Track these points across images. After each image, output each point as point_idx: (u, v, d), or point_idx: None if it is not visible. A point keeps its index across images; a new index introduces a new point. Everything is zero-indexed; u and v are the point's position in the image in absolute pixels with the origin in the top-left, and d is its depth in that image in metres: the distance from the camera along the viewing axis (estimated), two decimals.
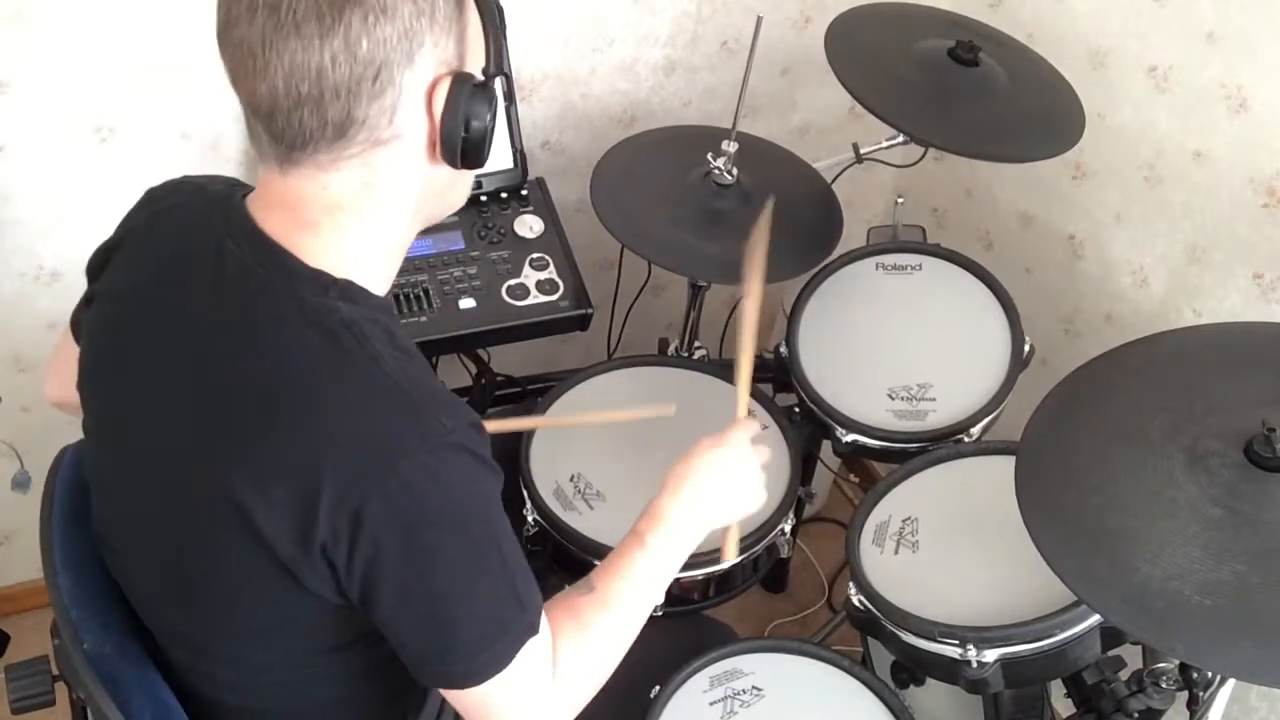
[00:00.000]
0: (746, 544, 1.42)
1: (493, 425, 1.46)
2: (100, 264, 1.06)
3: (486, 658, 0.94)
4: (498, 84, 0.94)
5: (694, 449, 1.18)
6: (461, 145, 0.90)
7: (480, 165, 0.94)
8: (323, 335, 0.90)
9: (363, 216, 0.92)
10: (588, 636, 1.05)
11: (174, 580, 1.02)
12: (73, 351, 1.08)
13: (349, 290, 0.92)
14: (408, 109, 0.88)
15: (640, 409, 1.51)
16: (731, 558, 1.27)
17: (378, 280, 0.96)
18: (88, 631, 1.05)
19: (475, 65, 0.92)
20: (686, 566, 1.37)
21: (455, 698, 0.97)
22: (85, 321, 1.06)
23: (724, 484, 1.17)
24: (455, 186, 0.99)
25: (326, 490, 0.86)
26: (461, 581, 0.92)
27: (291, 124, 0.85)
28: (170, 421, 0.95)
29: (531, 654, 0.96)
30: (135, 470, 1.01)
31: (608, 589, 1.08)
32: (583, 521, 1.44)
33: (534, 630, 0.96)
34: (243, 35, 0.83)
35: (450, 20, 0.88)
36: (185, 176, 1.07)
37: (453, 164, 0.92)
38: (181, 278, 0.97)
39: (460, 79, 0.89)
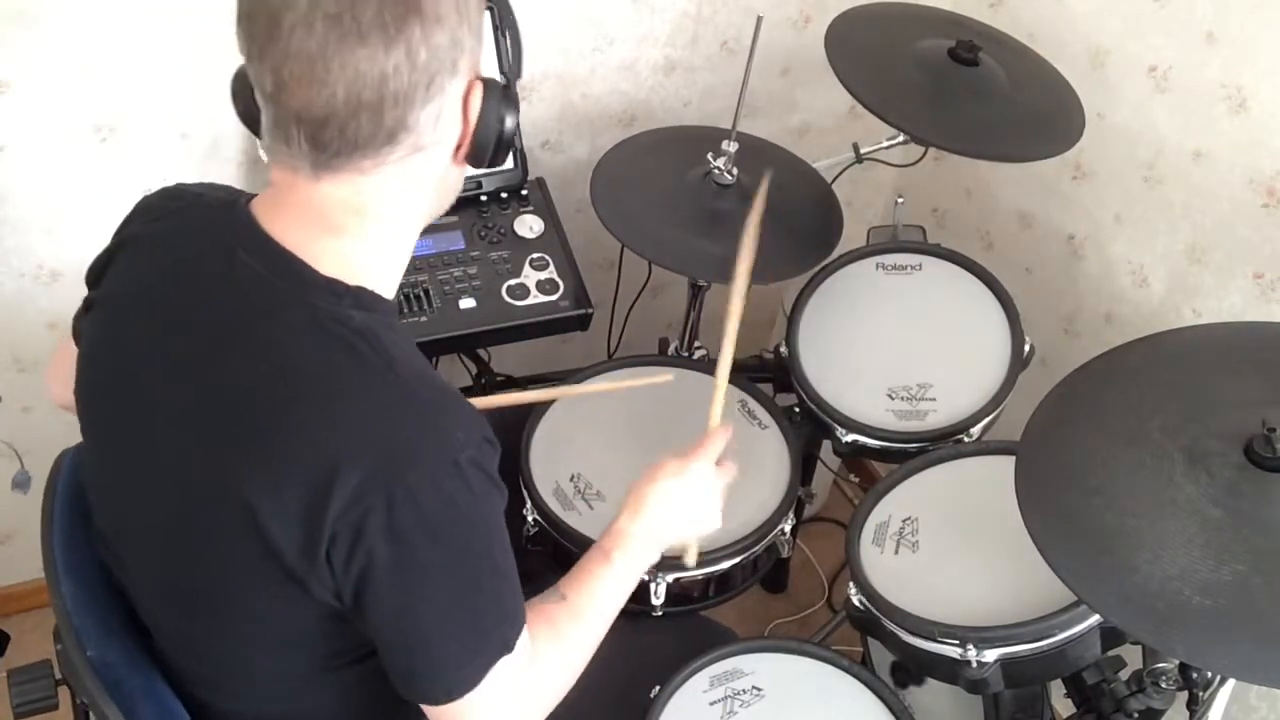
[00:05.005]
0: (746, 544, 1.43)
1: (492, 400, 1.46)
2: (99, 272, 1.06)
3: (465, 673, 0.95)
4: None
5: (657, 469, 1.20)
6: (493, 147, 0.94)
7: (502, 163, 0.99)
8: (338, 343, 0.91)
9: (385, 220, 0.94)
10: (562, 643, 1.07)
11: (178, 586, 1.02)
12: (74, 355, 1.07)
13: (363, 298, 0.93)
14: (448, 115, 0.91)
15: (638, 379, 1.52)
16: (691, 563, 1.30)
17: (388, 285, 0.98)
18: (91, 638, 1.05)
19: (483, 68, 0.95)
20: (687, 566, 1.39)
21: (431, 712, 0.97)
22: (84, 327, 1.06)
23: (682, 509, 1.20)
24: (460, 183, 1.01)
25: (336, 496, 0.87)
26: (448, 599, 0.93)
27: (346, 131, 0.87)
28: (175, 428, 0.95)
29: (502, 671, 0.96)
30: (136, 475, 1.00)
31: (580, 599, 1.11)
32: (583, 521, 1.44)
33: (507, 649, 0.96)
34: (300, 45, 0.84)
35: (478, 27, 0.91)
36: (179, 185, 1.07)
37: (478, 164, 0.95)
38: (187, 285, 0.97)
39: (490, 84, 0.93)
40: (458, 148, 0.94)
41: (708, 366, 1.67)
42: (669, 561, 1.33)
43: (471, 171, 1.00)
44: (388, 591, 0.90)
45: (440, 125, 0.91)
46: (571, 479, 1.49)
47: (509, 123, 0.94)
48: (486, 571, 0.95)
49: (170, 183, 1.08)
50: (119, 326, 1.02)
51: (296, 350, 0.91)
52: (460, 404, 0.94)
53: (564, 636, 1.07)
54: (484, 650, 0.95)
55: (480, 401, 1.39)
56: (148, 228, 1.04)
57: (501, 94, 0.93)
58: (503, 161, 0.97)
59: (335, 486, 0.86)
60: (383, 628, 0.93)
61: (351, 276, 0.93)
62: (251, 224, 0.94)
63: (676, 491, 1.19)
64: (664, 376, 1.37)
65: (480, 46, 0.93)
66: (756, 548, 1.45)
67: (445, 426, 0.91)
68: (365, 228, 0.93)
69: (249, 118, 0.94)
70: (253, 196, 0.97)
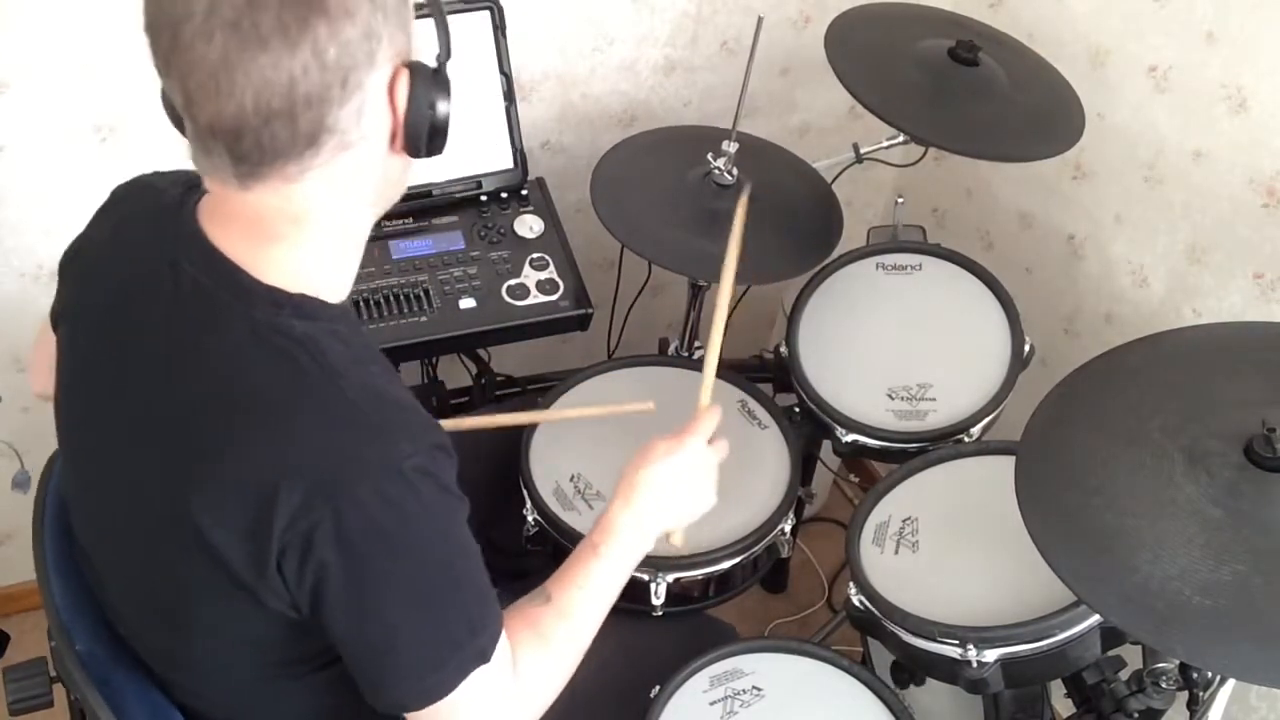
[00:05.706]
0: (746, 544, 1.43)
1: (475, 422, 1.45)
2: (68, 265, 1.05)
3: (432, 681, 0.93)
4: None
5: (647, 451, 1.17)
6: (427, 134, 0.89)
7: (442, 151, 0.93)
8: (278, 355, 0.89)
9: (326, 223, 0.91)
10: (548, 646, 1.05)
11: (141, 596, 1.02)
12: (51, 342, 1.07)
13: (304, 306, 0.91)
14: (372, 108, 0.87)
15: (621, 405, 1.50)
16: (679, 543, 1.27)
17: (336, 287, 0.95)
18: (80, 634, 1.05)
19: (415, 50, 0.90)
20: (687, 566, 1.39)
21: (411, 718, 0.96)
22: (59, 335, 1.05)
23: (676, 494, 1.18)
24: (406, 173, 0.96)
25: (280, 513, 0.85)
26: (410, 608, 0.91)
27: (261, 141, 0.84)
28: (130, 441, 0.94)
29: (480, 681, 0.94)
30: (99, 488, 1.00)
31: (565, 599, 1.08)
32: (583, 521, 1.43)
33: (483, 659, 0.95)
34: (200, 57, 0.81)
35: (398, 11, 0.87)
36: (143, 175, 1.06)
37: (415, 154, 0.91)
38: (138, 295, 0.96)
39: (417, 69, 0.88)
40: (392, 138, 0.90)
41: None
42: (668, 560, 1.33)
43: (420, 162, 0.94)
44: (343, 602, 0.89)
45: (365, 120, 0.86)
46: (571, 479, 1.49)
47: (441, 108, 0.89)
48: (447, 581, 0.93)
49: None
50: (82, 336, 1.01)
51: (238, 363, 0.89)
52: (406, 412, 0.92)
53: (549, 640, 1.05)
54: (451, 660, 0.93)
55: (449, 423, 1.36)
56: (102, 225, 1.04)
57: (431, 79, 0.88)
58: (441, 149, 0.91)
59: (278, 503, 0.85)
60: (344, 638, 0.92)
61: (294, 284, 0.91)
62: (195, 231, 0.92)
63: (670, 474, 1.16)
64: (646, 404, 1.36)
65: (404, 32, 0.88)
66: (756, 548, 1.45)
67: (389, 436, 0.88)
68: (305, 233, 0.90)
69: (181, 125, 0.91)
70: (203, 195, 0.94)
